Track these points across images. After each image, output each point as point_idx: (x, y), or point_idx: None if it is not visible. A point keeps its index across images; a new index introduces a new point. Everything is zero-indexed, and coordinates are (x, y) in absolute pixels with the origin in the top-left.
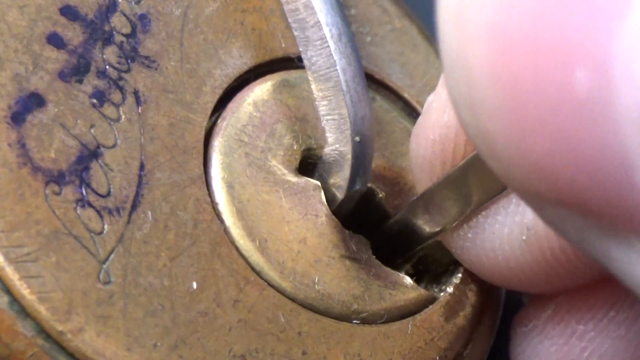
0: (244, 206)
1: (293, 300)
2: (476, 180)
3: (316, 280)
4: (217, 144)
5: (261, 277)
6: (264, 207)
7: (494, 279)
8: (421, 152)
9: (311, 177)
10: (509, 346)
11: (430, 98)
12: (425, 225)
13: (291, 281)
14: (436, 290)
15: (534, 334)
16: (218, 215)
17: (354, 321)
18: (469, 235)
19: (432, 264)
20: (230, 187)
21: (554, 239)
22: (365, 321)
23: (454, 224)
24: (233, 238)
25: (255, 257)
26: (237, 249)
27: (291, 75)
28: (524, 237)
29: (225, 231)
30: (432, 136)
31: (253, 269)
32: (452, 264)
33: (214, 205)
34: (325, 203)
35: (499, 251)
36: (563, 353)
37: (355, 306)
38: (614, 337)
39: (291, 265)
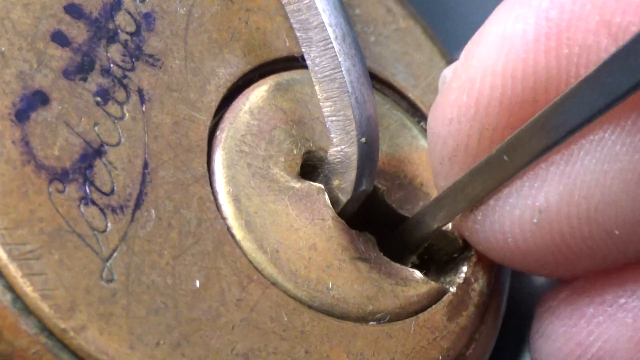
0: (252, 218)
1: (310, 307)
2: (486, 182)
3: (330, 285)
4: (219, 156)
5: (277, 288)
6: (271, 217)
7: (503, 259)
8: (437, 130)
9: (313, 179)
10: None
11: (447, 73)
12: (435, 221)
13: (306, 289)
14: (444, 277)
15: (547, 315)
16: (229, 229)
17: (371, 322)
18: (479, 217)
19: (437, 252)
20: (236, 200)
21: (566, 223)
22: (380, 322)
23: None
24: (245, 251)
25: (269, 269)
26: (249, 262)
27: (283, 77)
28: (535, 220)
29: (237, 245)
30: (450, 115)
31: (267, 280)
32: (456, 252)
33: (218, 207)
34: (330, 205)
35: (509, 233)
36: (570, 335)
37: (371, 307)
38: (620, 324)
39: (304, 274)
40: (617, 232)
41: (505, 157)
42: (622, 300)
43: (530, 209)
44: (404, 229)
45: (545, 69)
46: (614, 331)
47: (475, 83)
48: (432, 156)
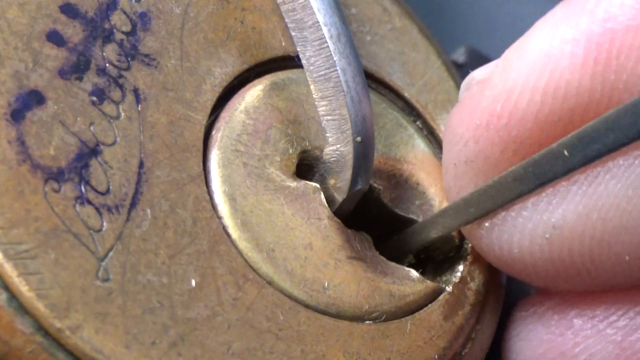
0: (247, 218)
1: (307, 306)
2: (519, 189)
3: (326, 285)
4: (215, 156)
5: (273, 287)
6: (267, 217)
7: (505, 268)
8: (459, 131)
9: (309, 178)
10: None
11: (477, 75)
12: (457, 223)
13: (302, 289)
14: (440, 276)
15: (531, 319)
16: (224, 228)
17: (367, 322)
18: (486, 224)
19: (433, 251)
20: (232, 199)
21: (578, 242)
22: (377, 321)
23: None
24: (240, 251)
25: (265, 269)
26: (245, 261)
27: (279, 77)
28: (547, 235)
29: (233, 244)
30: (479, 121)
31: (263, 279)
32: (453, 251)
33: (214, 207)
34: (326, 205)
35: (516, 245)
36: (555, 343)
37: (367, 306)
38: (608, 341)
39: (300, 273)
40: (627, 257)
41: (566, 152)
42: (613, 318)
43: (544, 224)
44: (420, 227)
45: (588, 91)
46: (601, 347)
47: (512, 95)
48: (447, 155)
